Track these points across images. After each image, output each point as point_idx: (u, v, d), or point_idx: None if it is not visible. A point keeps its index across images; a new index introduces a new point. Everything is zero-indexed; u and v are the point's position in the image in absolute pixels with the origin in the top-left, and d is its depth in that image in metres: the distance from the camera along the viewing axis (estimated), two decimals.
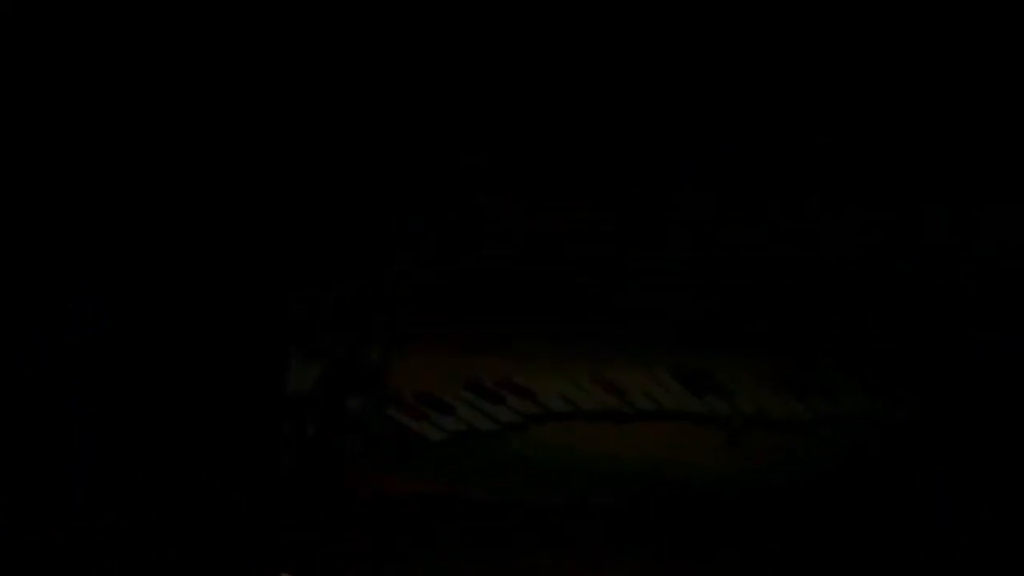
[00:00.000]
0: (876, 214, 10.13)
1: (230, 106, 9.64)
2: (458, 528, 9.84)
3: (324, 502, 9.80)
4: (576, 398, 10.33)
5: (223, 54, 9.51)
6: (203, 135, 9.69)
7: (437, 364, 10.24)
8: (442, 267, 10.22)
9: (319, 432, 9.99)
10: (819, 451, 10.17)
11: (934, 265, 10.14)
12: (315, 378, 10.03)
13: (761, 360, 10.26)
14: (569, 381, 10.32)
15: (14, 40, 9.18)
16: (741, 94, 9.87)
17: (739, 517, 10.03)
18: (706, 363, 10.27)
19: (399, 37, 9.70)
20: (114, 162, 9.66)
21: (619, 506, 10.07)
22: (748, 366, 10.27)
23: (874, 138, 9.96)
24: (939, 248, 10.12)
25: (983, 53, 9.70)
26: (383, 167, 10.04)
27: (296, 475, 9.95)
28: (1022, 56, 9.68)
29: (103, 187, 9.68)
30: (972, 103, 9.89)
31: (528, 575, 7.34)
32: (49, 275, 9.61)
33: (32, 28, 9.27)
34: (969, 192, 9.94)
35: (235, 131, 9.69)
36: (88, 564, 8.70)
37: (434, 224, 10.15)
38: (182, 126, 9.69)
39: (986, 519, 9.77)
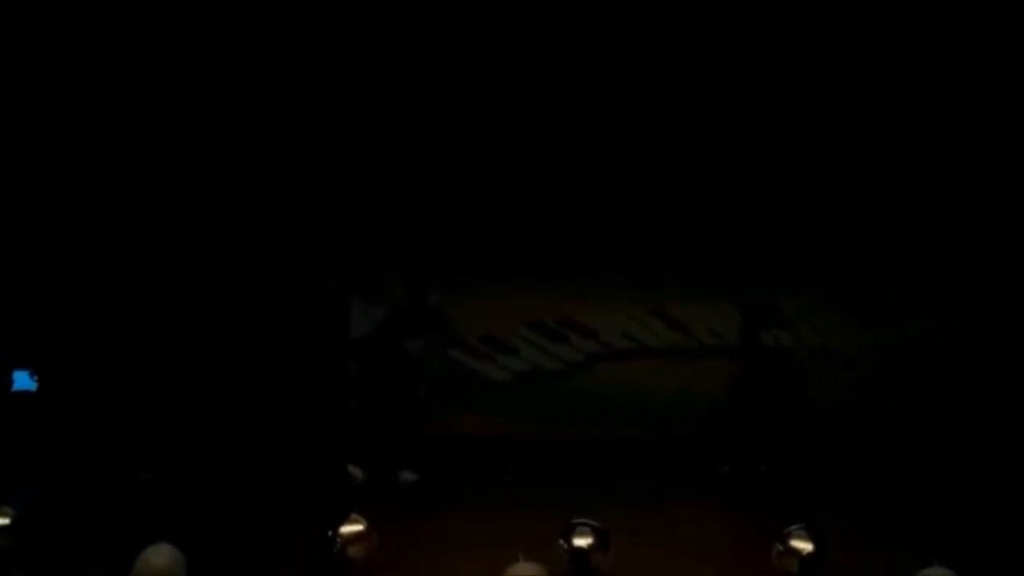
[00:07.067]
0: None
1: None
2: (521, 466, 9.89)
3: (389, 442, 9.87)
4: (639, 335, 10.33)
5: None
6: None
7: (500, 305, 10.27)
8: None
9: (383, 374, 10.08)
10: (884, 380, 10.10)
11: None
12: (378, 322, 10.11)
13: (825, 292, 10.21)
14: (631, 318, 10.32)
15: None
16: None
17: (809, 450, 9.97)
18: (770, 296, 10.22)
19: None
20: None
21: (683, 441, 10.05)
22: (811, 298, 10.21)
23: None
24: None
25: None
26: None
27: (361, 416, 10.04)
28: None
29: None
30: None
31: (592, 511, 7.32)
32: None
33: None
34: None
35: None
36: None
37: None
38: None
39: None
